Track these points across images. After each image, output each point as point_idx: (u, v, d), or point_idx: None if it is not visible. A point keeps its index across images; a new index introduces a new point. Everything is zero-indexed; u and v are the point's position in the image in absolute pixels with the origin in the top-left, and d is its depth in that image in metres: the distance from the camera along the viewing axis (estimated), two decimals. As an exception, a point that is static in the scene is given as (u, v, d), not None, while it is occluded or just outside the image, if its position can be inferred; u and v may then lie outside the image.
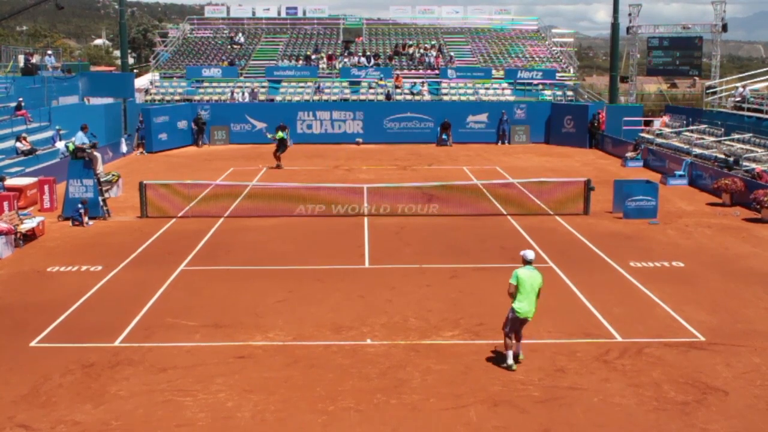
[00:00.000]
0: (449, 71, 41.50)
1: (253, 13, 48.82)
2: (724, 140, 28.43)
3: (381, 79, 41.03)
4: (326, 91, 40.34)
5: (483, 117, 37.47)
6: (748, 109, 30.37)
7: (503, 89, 40.89)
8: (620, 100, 42.64)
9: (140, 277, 14.39)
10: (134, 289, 13.70)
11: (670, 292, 13.36)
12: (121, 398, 9.29)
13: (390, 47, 45.67)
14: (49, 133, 29.01)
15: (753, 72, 36.73)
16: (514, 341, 10.09)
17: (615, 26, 40.94)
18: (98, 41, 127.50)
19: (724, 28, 41.26)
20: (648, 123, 36.38)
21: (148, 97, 39.88)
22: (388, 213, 20.13)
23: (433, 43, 45.86)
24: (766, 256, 15.97)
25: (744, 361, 10.38)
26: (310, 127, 37.35)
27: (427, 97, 40.21)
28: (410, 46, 45.08)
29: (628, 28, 43.99)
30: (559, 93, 40.47)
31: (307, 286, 13.88)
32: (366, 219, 19.60)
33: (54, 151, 27.47)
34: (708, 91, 36.10)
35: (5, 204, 17.62)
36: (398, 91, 40.19)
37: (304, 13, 48.29)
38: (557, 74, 41.40)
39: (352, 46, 45.59)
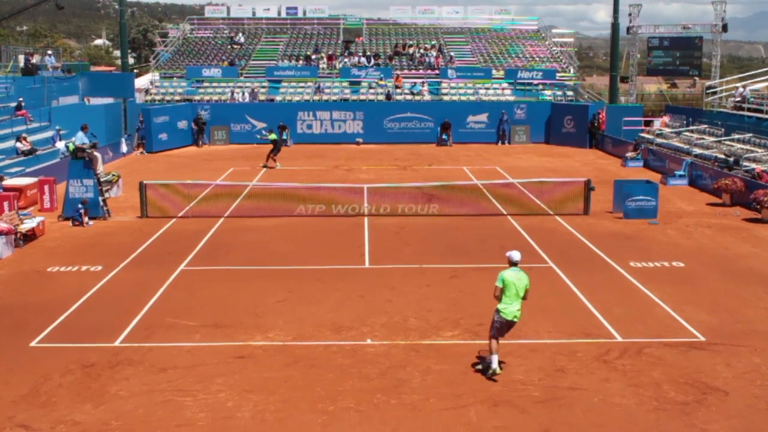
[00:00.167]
0: (449, 71, 41.50)
1: (253, 13, 48.83)
2: (724, 140, 28.44)
3: (381, 79, 41.03)
4: (326, 91, 40.34)
5: (483, 117, 37.47)
6: (748, 109, 30.38)
7: (503, 89, 40.89)
8: (620, 100, 42.64)
9: (140, 277, 14.40)
10: (134, 289, 13.70)
11: (670, 292, 13.36)
12: (121, 398, 9.29)
13: (390, 47, 45.68)
14: (49, 133, 29.02)
15: (753, 72, 36.74)
16: (499, 345, 9.76)
17: (615, 26, 40.95)
18: (98, 41, 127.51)
19: (725, 28, 41.26)
20: (648, 123, 36.40)
21: (148, 97, 39.89)
22: (388, 213, 20.13)
23: (433, 43, 45.87)
24: (766, 256, 15.97)
25: (744, 361, 10.38)
26: (310, 127, 37.36)
27: (427, 97, 40.21)
28: (410, 46, 45.09)
29: (628, 28, 43.99)
30: (559, 93, 40.47)
31: (307, 286, 13.88)
32: (366, 219, 19.60)
33: (54, 151, 27.47)
34: (708, 91, 36.11)
35: (5, 204, 17.62)
36: (398, 91, 40.19)
37: (304, 13, 48.29)
38: (557, 74, 41.40)
39: (352, 46, 45.59)
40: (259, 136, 29.80)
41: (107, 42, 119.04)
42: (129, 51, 54.86)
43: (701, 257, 15.82)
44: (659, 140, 32.17)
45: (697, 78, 46.99)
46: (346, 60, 43.15)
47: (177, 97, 39.57)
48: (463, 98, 39.95)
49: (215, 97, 39.73)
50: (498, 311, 9.68)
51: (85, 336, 11.34)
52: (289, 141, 36.12)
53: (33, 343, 11.11)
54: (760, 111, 29.04)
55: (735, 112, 31.27)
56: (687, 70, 44.33)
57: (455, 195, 21.06)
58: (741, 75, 37.45)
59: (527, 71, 41.36)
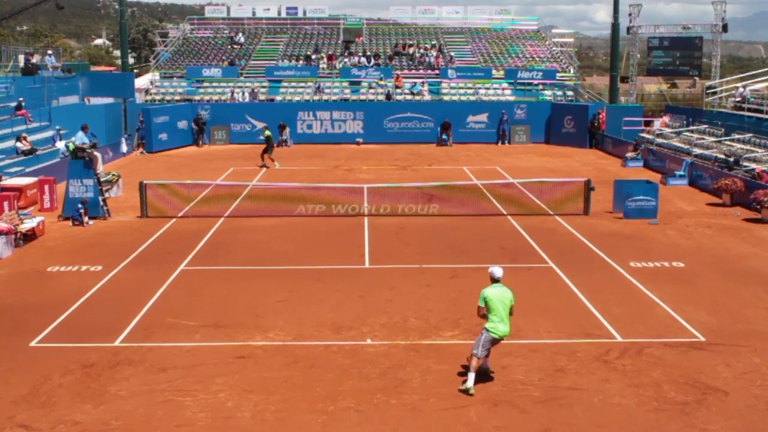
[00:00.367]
0: (449, 71, 41.50)
1: (253, 13, 48.82)
2: (725, 140, 28.44)
3: (381, 79, 41.03)
4: (326, 91, 40.34)
5: (483, 117, 37.47)
6: (749, 110, 30.38)
7: (503, 89, 40.89)
8: (620, 100, 42.64)
9: (140, 277, 14.39)
10: (134, 289, 13.70)
11: (670, 292, 13.36)
12: (121, 398, 9.29)
13: (390, 47, 45.67)
14: (49, 133, 29.02)
15: (753, 72, 36.75)
16: (482, 361, 9.46)
17: (615, 26, 40.96)
18: (98, 41, 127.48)
19: (725, 28, 41.25)
20: (648, 123, 36.39)
21: (149, 97, 39.88)
22: (388, 213, 20.13)
23: (433, 43, 45.86)
24: (766, 256, 15.97)
25: (744, 361, 10.38)
26: (310, 127, 37.35)
27: (427, 97, 40.20)
28: (410, 46, 45.08)
29: (628, 28, 44.00)
30: (559, 93, 40.47)
31: (307, 286, 13.88)
32: (366, 219, 19.60)
33: (54, 151, 27.47)
34: (708, 92, 36.12)
35: (5, 204, 17.62)
36: (398, 91, 40.19)
37: (305, 13, 48.29)
38: (557, 74, 41.39)
39: (353, 46, 45.59)
40: (261, 137, 29.81)
41: (107, 42, 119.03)
42: (129, 51, 54.86)
43: (701, 257, 15.82)
44: (659, 140, 32.18)
45: (697, 78, 47.01)
46: (346, 60, 43.15)
47: (177, 97, 39.57)
48: (463, 98, 39.95)
49: (215, 97, 39.73)
50: (486, 330, 9.36)
51: (85, 336, 11.34)
52: (289, 141, 36.13)
53: (33, 343, 11.11)
54: (760, 111, 29.04)
55: (735, 112, 31.27)
56: (687, 70, 44.33)
57: (455, 195, 21.06)
58: (741, 75, 37.47)
59: (527, 71, 41.35)
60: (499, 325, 9.33)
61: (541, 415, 8.81)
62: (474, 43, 46.24)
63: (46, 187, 21.03)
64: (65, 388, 9.57)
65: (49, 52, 38.71)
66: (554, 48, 45.14)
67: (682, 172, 25.42)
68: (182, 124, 35.63)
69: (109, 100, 35.16)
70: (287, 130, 36.08)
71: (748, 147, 26.40)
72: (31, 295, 13.41)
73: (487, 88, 40.84)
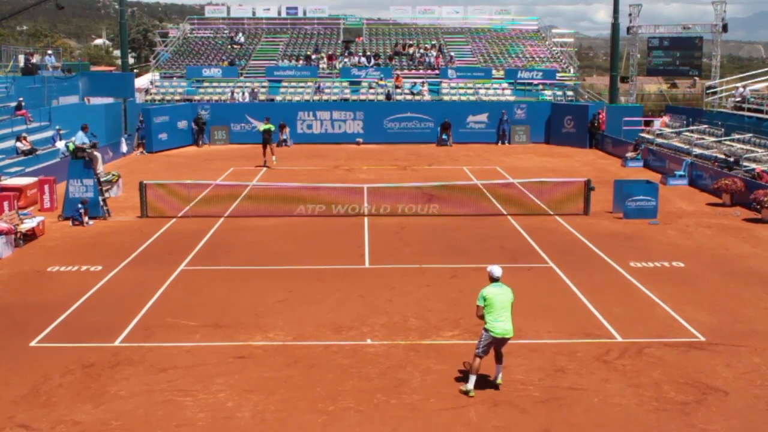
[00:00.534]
0: (449, 71, 41.50)
1: (253, 13, 48.82)
2: (725, 140, 28.44)
3: (381, 79, 41.03)
4: (326, 91, 40.34)
5: (483, 117, 37.46)
6: (749, 110, 30.38)
7: (503, 89, 40.89)
8: (620, 100, 42.64)
9: (140, 277, 14.39)
10: (134, 289, 13.70)
11: (670, 292, 13.36)
12: (121, 398, 9.29)
13: (390, 47, 45.67)
14: (49, 133, 29.01)
15: (753, 72, 36.75)
16: (481, 361, 9.32)
17: (615, 26, 40.95)
18: (98, 41, 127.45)
19: (725, 28, 41.25)
20: (648, 123, 36.38)
21: (148, 97, 39.88)
22: (388, 213, 20.13)
23: (433, 43, 45.86)
24: (766, 256, 15.97)
25: (744, 361, 10.38)
26: (310, 127, 37.35)
27: (427, 97, 40.20)
28: (410, 46, 45.08)
29: (628, 28, 44.00)
30: (559, 93, 40.46)
31: (307, 286, 13.88)
32: (366, 219, 19.60)
33: (54, 151, 27.47)
34: (708, 92, 36.12)
35: (5, 204, 17.62)
36: (398, 91, 40.18)
37: (305, 13, 48.29)
38: (557, 74, 41.39)
39: (353, 46, 45.59)
40: (260, 129, 29.73)
41: (107, 42, 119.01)
42: (129, 51, 54.85)
43: (701, 257, 15.82)
44: (659, 140, 32.18)
45: (697, 78, 47.00)
46: (346, 60, 43.15)
47: (177, 97, 39.57)
48: (463, 98, 39.95)
49: (215, 97, 39.72)
50: (486, 330, 9.24)
51: (85, 336, 11.34)
52: (289, 141, 36.13)
53: (33, 343, 11.11)
54: (760, 111, 29.04)
55: (735, 112, 31.27)
56: (687, 70, 44.33)
57: (455, 195, 21.06)
58: (741, 75, 37.47)
59: (527, 71, 41.35)
60: (497, 323, 9.18)
61: (541, 415, 8.81)
62: (474, 43, 46.24)
63: (46, 187, 21.03)
64: (65, 388, 9.57)
65: (49, 52, 38.73)
66: (554, 48, 45.15)
67: (682, 172, 25.42)
68: (182, 124, 35.63)
69: (109, 100, 35.15)
70: (287, 129, 36.08)
71: (748, 147, 26.40)
72: (31, 295, 13.41)
73: (487, 88, 40.84)
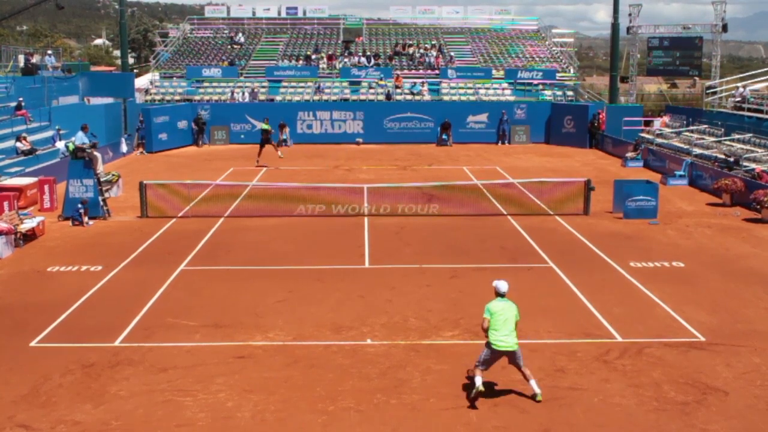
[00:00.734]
0: (449, 71, 41.50)
1: (253, 13, 48.81)
2: (724, 140, 28.44)
3: (381, 79, 41.02)
4: (326, 91, 40.34)
5: (483, 117, 37.47)
6: (748, 110, 30.37)
7: (503, 89, 40.88)
8: (620, 100, 42.64)
9: (140, 277, 14.40)
10: (134, 289, 13.70)
11: (670, 292, 13.36)
12: (121, 398, 9.29)
13: (390, 47, 45.67)
14: (49, 133, 29.01)
15: (753, 72, 36.74)
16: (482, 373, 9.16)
17: (615, 26, 40.95)
18: (98, 41, 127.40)
19: (725, 28, 41.26)
20: (648, 123, 36.39)
21: (148, 97, 39.88)
22: (388, 213, 20.13)
23: (433, 43, 45.86)
24: (766, 256, 15.97)
25: (744, 361, 10.38)
26: (310, 127, 37.36)
27: (427, 97, 40.20)
28: (410, 46, 45.08)
29: (628, 28, 44.00)
30: (559, 93, 40.46)
31: (307, 286, 13.88)
32: (366, 219, 19.60)
33: (54, 151, 27.47)
34: (708, 91, 36.12)
35: (5, 204, 17.63)
36: (398, 91, 40.18)
37: (304, 13, 48.28)
38: (557, 74, 41.39)
39: (352, 46, 45.59)
40: (259, 127, 29.80)
41: (107, 42, 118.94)
42: (129, 51, 54.87)
43: (701, 257, 15.82)
44: (659, 140, 32.18)
45: (697, 78, 47.00)
46: (346, 60, 43.15)
47: (177, 97, 39.56)
48: (463, 98, 39.95)
49: (215, 97, 39.72)
50: (489, 344, 9.09)
51: (85, 336, 11.34)
52: (289, 141, 36.12)
53: (33, 343, 11.11)
54: (760, 111, 29.04)
55: (735, 112, 31.27)
56: (687, 70, 44.33)
57: (455, 195, 21.06)
58: (741, 75, 37.46)
59: (527, 71, 41.35)
60: (502, 338, 9.03)
61: (541, 415, 8.81)
62: (474, 43, 46.24)
63: (46, 187, 21.03)
64: (65, 388, 9.57)
65: (49, 52, 38.71)
66: (554, 48, 45.14)
67: (682, 172, 25.42)
68: (182, 124, 35.63)
69: (109, 100, 35.16)
70: (287, 129, 36.08)
71: (748, 147, 26.40)
72: (31, 295, 13.41)
73: (487, 88, 40.84)
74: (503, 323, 9.09)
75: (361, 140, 36.86)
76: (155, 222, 19.15)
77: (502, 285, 9.38)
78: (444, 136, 36.34)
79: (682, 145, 30.18)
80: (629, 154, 29.90)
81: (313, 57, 43.01)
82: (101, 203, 19.76)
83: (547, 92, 40.43)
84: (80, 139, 20.73)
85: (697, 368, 10.11)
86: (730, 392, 9.40)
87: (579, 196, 20.22)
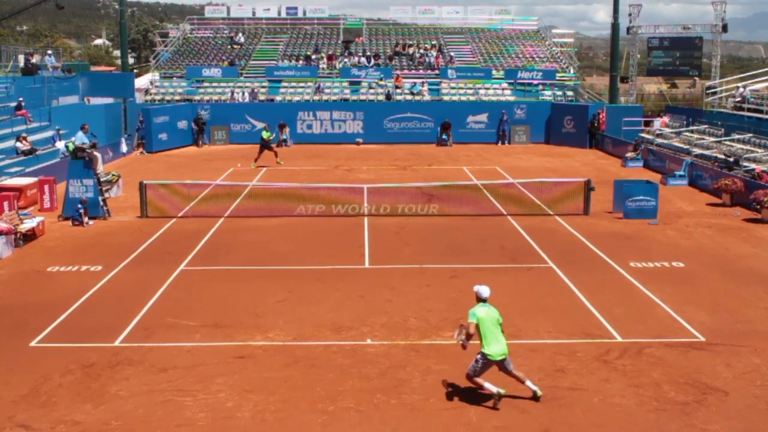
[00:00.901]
0: (449, 71, 41.50)
1: (253, 13, 48.84)
2: (724, 140, 28.45)
3: (381, 79, 41.03)
4: (326, 91, 40.34)
5: (483, 117, 37.47)
6: (748, 110, 30.37)
7: (503, 89, 40.89)
8: (620, 100, 42.66)
9: (140, 277, 14.39)
10: (134, 289, 13.70)
11: (670, 292, 13.36)
12: (121, 398, 9.29)
13: (390, 47, 45.68)
14: (49, 133, 29.01)
15: (753, 72, 36.74)
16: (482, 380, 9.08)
17: (615, 26, 40.98)
18: (98, 41, 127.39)
19: (725, 28, 41.27)
20: (648, 123, 36.39)
21: (148, 97, 39.88)
22: (388, 213, 20.13)
23: (433, 43, 45.87)
24: (766, 256, 15.97)
25: (744, 361, 10.38)
26: (310, 127, 37.36)
27: (427, 97, 40.20)
28: (410, 46, 45.09)
29: (628, 29, 44.02)
30: (559, 93, 40.47)
31: (307, 286, 13.88)
32: (366, 219, 19.60)
33: (54, 151, 27.47)
34: (708, 92, 36.12)
35: (5, 204, 17.62)
36: (398, 91, 40.19)
37: (304, 13, 48.30)
38: (557, 74, 41.40)
39: (352, 46, 45.60)
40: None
41: (107, 42, 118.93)
42: (129, 51, 54.86)
43: (701, 257, 15.82)
44: (659, 140, 32.18)
45: (697, 78, 47.04)
46: (346, 60, 43.15)
47: (177, 97, 39.57)
48: (463, 98, 39.95)
49: (215, 97, 39.73)
50: (485, 355, 8.89)
51: (85, 336, 11.34)
52: (289, 141, 36.13)
53: (33, 343, 11.11)
54: (760, 111, 29.04)
55: (735, 112, 31.27)
56: (687, 71, 44.36)
57: (455, 195, 21.06)
58: (741, 75, 37.46)
59: (527, 71, 41.36)
60: (493, 345, 8.89)
61: (541, 415, 8.81)
62: (474, 43, 46.25)
63: (46, 187, 21.03)
64: (65, 388, 9.57)
65: (49, 52, 38.71)
66: (554, 48, 45.15)
67: (682, 172, 25.42)
68: (182, 124, 35.63)
69: (109, 100, 35.16)
70: (287, 129, 36.08)
71: (748, 147, 26.40)
72: (31, 295, 13.41)
73: (487, 88, 40.84)
74: (492, 330, 8.93)
75: (361, 140, 36.87)
76: (155, 222, 19.15)
77: (484, 290, 9.16)
78: (444, 136, 36.35)
79: (682, 145, 30.18)
80: (629, 154, 29.90)
81: (313, 57, 43.01)
82: (101, 203, 19.76)
83: (547, 92, 40.44)
84: (80, 139, 20.74)
85: (697, 368, 10.11)
86: (730, 392, 9.40)
87: (579, 196, 20.22)
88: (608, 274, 14.68)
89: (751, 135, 27.22)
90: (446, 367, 10.15)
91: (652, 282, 13.96)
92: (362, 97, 40.04)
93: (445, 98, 39.99)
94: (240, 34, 46.52)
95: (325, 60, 42.96)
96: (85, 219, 18.91)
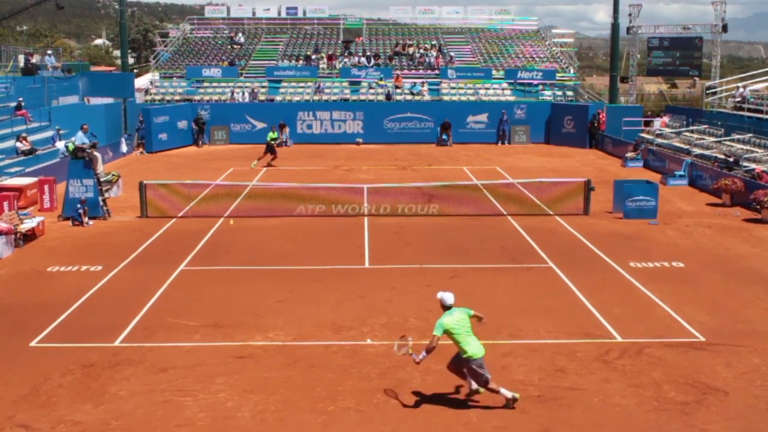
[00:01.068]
0: (449, 71, 41.50)
1: (253, 13, 48.84)
2: (724, 140, 28.45)
3: (381, 79, 41.03)
4: (326, 91, 40.34)
5: (483, 117, 37.47)
6: (748, 110, 30.37)
7: (503, 89, 40.89)
8: (620, 100, 42.65)
9: (140, 277, 14.39)
10: (134, 289, 13.70)
11: (670, 292, 13.36)
12: (121, 398, 9.29)
13: (390, 47, 45.67)
14: (49, 133, 29.01)
15: (753, 72, 36.74)
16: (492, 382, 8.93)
17: (615, 26, 40.97)
18: (98, 41, 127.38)
19: (725, 28, 41.27)
20: (648, 123, 36.39)
21: (148, 97, 39.88)
22: (388, 213, 20.13)
23: (433, 43, 45.87)
24: (766, 256, 15.97)
25: (744, 361, 10.38)
26: (310, 127, 37.36)
27: (427, 97, 40.20)
28: (410, 46, 45.09)
29: (628, 29, 44.01)
30: (559, 93, 40.47)
31: (307, 286, 13.88)
32: (366, 219, 19.60)
33: (54, 151, 27.47)
34: (708, 92, 36.11)
35: (5, 204, 17.62)
36: (398, 91, 40.19)
37: (304, 13, 48.31)
38: (557, 74, 41.40)
39: (352, 46, 45.59)
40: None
41: (107, 42, 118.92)
42: (129, 51, 54.86)
43: (701, 257, 15.82)
44: (659, 140, 32.18)
45: (697, 78, 47.04)
46: (346, 60, 43.15)
47: (177, 97, 39.56)
48: (463, 98, 39.95)
49: (215, 97, 39.72)
50: (471, 359, 8.73)
51: (85, 336, 11.34)
52: (289, 141, 36.12)
53: (33, 343, 11.11)
54: (760, 111, 29.03)
55: (735, 112, 31.26)
56: (687, 71, 44.34)
57: (455, 195, 21.06)
58: (741, 75, 37.45)
59: (527, 71, 41.36)
60: (474, 345, 8.77)
61: (541, 415, 8.81)
62: (474, 43, 46.25)
63: (46, 187, 21.03)
64: (65, 388, 9.57)
65: (49, 52, 38.71)
66: (554, 48, 45.15)
67: (682, 172, 25.42)
68: (182, 124, 35.63)
69: (109, 100, 35.15)
70: (287, 129, 36.08)
71: (748, 147, 26.40)
72: (31, 295, 13.41)
73: (487, 88, 40.84)
74: (465, 333, 8.78)
75: (361, 140, 36.86)
76: (155, 222, 19.15)
77: (448, 297, 8.92)
78: (444, 136, 36.35)
79: (682, 145, 30.18)
80: (629, 154, 29.90)
81: (313, 57, 43.01)
82: (101, 203, 19.76)
83: (547, 92, 40.44)
84: (80, 139, 20.75)
85: (697, 368, 10.11)
86: (730, 392, 9.40)
87: (579, 196, 20.22)
88: (608, 274, 14.68)
89: (751, 135, 27.22)
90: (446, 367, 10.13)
91: (652, 282, 13.96)
92: (362, 97, 40.03)
93: (445, 98, 39.98)
94: (240, 34, 46.52)
95: (325, 60, 42.96)
96: (85, 219, 18.91)
